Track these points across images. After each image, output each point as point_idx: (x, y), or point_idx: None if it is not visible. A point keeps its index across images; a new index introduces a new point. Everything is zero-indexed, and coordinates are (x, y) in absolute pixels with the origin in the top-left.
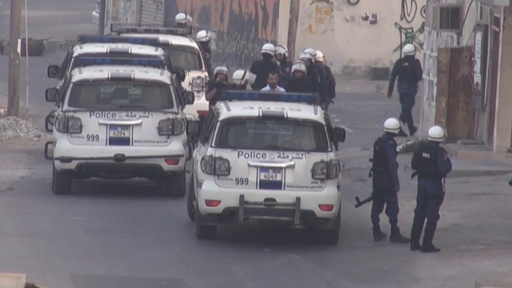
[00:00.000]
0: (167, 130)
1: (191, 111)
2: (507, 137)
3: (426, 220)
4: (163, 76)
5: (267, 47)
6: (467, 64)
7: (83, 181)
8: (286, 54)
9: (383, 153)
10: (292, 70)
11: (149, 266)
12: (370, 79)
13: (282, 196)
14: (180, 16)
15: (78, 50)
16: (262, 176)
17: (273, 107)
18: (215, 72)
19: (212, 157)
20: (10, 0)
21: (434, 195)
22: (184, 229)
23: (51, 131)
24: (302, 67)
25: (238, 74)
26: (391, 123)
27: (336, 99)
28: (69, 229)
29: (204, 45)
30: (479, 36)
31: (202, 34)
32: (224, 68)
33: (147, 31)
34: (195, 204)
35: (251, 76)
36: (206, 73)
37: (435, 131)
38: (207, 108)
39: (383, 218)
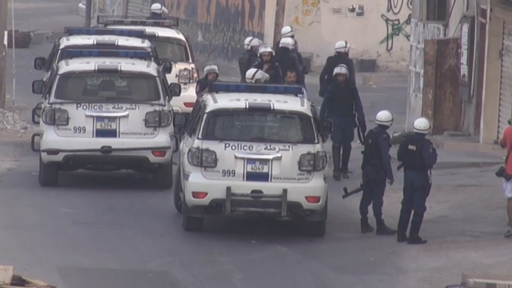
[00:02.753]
0: (154, 122)
1: (178, 103)
2: (494, 128)
3: (412, 211)
4: (149, 68)
5: (285, 41)
6: (453, 55)
7: (70, 173)
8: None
9: (377, 146)
10: (334, 73)
11: (136, 258)
12: (357, 71)
13: (269, 188)
14: (155, 6)
15: (64, 42)
16: (249, 168)
17: (260, 99)
18: (205, 71)
19: (199, 149)
20: None
21: (421, 187)
22: (171, 221)
23: (38, 123)
24: (343, 70)
25: (248, 73)
26: (384, 115)
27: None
28: (56, 221)
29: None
30: (465, 27)
31: (287, 29)
32: (215, 67)
33: (133, 23)
34: (182, 196)
35: (263, 75)
36: (192, 65)
37: (421, 123)
38: (194, 100)
39: (369, 210)
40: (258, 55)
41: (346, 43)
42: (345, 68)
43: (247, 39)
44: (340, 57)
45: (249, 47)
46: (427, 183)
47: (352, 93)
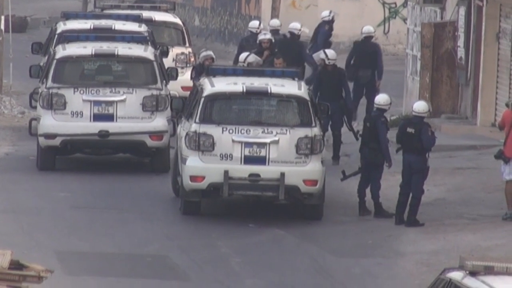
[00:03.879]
0: (151, 106)
1: (175, 87)
2: (491, 111)
3: (411, 195)
4: (146, 52)
5: (293, 26)
6: (450, 38)
7: (68, 157)
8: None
9: (375, 130)
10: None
11: (134, 242)
12: None
13: (267, 171)
14: None
15: (61, 27)
16: (247, 151)
17: (257, 82)
18: (201, 58)
19: (196, 133)
20: None
21: (419, 170)
22: (169, 205)
23: (35, 107)
24: (322, 55)
25: (241, 57)
26: (382, 99)
27: None
28: (54, 205)
29: (327, 24)
30: (462, 10)
31: (325, 13)
32: (210, 52)
33: (130, 7)
34: (180, 180)
35: (255, 59)
36: (189, 49)
37: (420, 106)
38: (191, 84)
39: (367, 194)
40: (258, 42)
41: (373, 28)
42: (324, 53)
43: (255, 23)
44: (367, 42)
45: (258, 31)
46: (425, 166)
47: (340, 78)
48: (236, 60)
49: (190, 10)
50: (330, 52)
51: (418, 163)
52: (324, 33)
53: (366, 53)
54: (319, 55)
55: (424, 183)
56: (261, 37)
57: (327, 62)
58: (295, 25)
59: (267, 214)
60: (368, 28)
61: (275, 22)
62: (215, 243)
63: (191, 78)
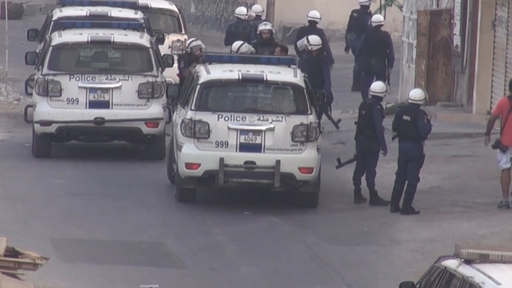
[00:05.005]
0: (147, 93)
1: (170, 74)
2: (487, 99)
3: (406, 182)
4: (142, 39)
5: (312, 14)
6: (446, 26)
7: (63, 144)
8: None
9: (370, 118)
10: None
11: (129, 229)
12: None
13: (262, 159)
14: None
15: (57, 14)
16: (242, 139)
17: (253, 70)
18: (192, 47)
19: (192, 120)
20: None
21: (415, 158)
22: (164, 192)
23: (31, 94)
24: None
25: (234, 45)
26: (378, 86)
27: None
28: (49, 192)
29: (365, 9)
30: None
31: None
32: (200, 42)
33: None
34: (175, 167)
35: (248, 48)
36: (185, 36)
37: (416, 94)
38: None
39: (363, 181)
40: (258, 32)
41: (382, 17)
42: (307, 40)
43: (242, 9)
44: (378, 30)
45: (246, 17)
46: (421, 154)
47: (321, 65)
48: (226, 44)
49: None
50: (312, 38)
51: (414, 151)
52: (365, 21)
53: (377, 42)
54: (303, 41)
55: (419, 171)
56: (261, 27)
57: (309, 48)
58: (314, 14)
59: (262, 201)
60: (378, 17)
61: (257, 8)
62: (210, 230)
63: (179, 67)
